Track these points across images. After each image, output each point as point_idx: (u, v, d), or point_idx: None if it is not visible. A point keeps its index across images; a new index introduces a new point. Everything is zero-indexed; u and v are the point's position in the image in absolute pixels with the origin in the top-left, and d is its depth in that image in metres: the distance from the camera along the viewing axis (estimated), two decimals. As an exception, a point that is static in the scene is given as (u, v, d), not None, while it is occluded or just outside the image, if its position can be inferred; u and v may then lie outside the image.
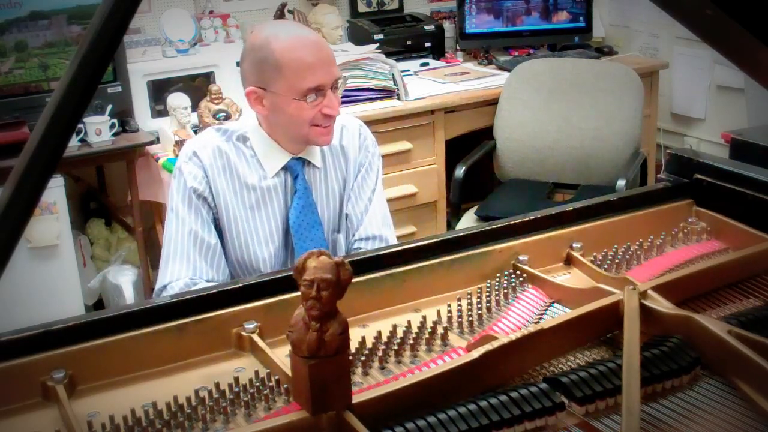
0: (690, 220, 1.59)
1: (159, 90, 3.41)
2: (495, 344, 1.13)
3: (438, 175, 3.59)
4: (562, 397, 1.07)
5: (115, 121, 3.19)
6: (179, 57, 3.52)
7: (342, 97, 1.92)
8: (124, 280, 3.34)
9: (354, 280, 1.01)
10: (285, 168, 1.92)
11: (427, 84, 3.70)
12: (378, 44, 3.74)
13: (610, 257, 1.47)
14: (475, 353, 1.11)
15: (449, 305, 1.33)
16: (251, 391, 1.12)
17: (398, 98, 3.51)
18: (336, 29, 3.85)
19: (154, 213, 3.40)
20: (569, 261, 1.49)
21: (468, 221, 3.31)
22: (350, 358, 1.08)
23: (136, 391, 1.16)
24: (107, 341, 1.17)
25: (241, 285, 1.28)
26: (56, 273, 3.12)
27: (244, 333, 1.24)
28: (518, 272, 1.43)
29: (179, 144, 3.00)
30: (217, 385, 1.13)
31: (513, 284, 1.40)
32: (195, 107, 3.10)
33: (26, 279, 3.04)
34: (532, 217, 1.49)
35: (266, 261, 1.91)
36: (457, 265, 1.41)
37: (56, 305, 3.04)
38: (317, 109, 1.82)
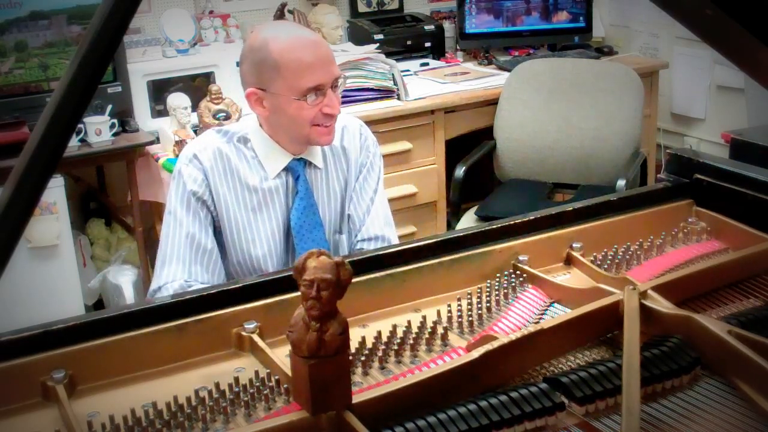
0: (690, 220, 1.59)
1: (159, 90, 3.41)
2: (495, 344, 1.13)
3: (438, 175, 3.59)
4: (562, 397, 1.07)
5: (115, 121, 3.19)
6: (179, 57, 3.52)
7: (342, 97, 1.92)
8: (124, 280, 3.34)
9: (354, 280, 1.01)
10: (286, 169, 1.92)
11: (427, 84, 3.70)
12: (378, 44, 3.74)
13: (610, 257, 1.47)
14: (475, 353, 1.11)
15: (449, 305, 1.33)
16: (251, 391, 1.12)
17: (398, 98, 3.51)
18: (336, 29, 3.85)
19: (154, 213, 3.39)
20: (569, 261, 1.49)
21: (468, 221, 3.31)
22: (350, 358, 1.08)
23: (136, 391, 1.16)
24: (107, 341, 1.17)
25: (241, 285, 1.28)
26: (56, 273, 3.12)
27: (244, 333, 1.24)
28: (518, 272, 1.43)
29: (179, 144, 3.00)
30: (217, 385, 1.13)
31: (513, 284, 1.40)
32: (195, 107, 3.09)
33: (26, 279, 3.04)
34: (532, 217, 1.49)
35: (267, 262, 1.91)
36: (457, 265, 1.41)
37: (56, 305, 3.04)
38: (317, 108, 1.82)
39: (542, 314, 1.34)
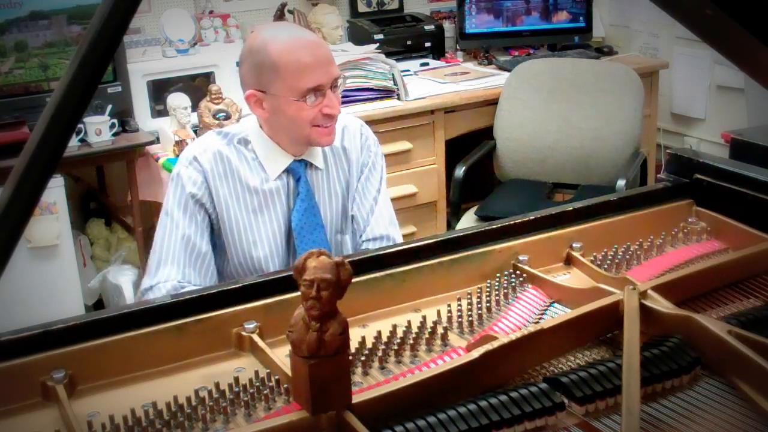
0: (690, 220, 1.59)
1: (159, 90, 3.41)
2: (495, 344, 1.13)
3: (438, 175, 3.59)
4: (562, 397, 1.07)
5: (115, 121, 3.19)
6: (179, 57, 3.52)
7: (342, 97, 1.92)
8: (124, 280, 3.34)
9: (354, 280, 1.01)
10: (287, 170, 1.92)
11: (427, 84, 3.70)
12: (378, 44, 3.74)
13: (610, 257, 1.47)
14: (475, 353, 1.11)
15: (449, 305, 1.33)
16: (251, 391, 1.12)
17: (398, 98, 3.51)
18: (336, 29, 3.85)
19: (154, 213, 3.39)
20: (569, 261, 1.49)
21: (468, 221, 3.31)
22: (350, 358, 1.08)
23: (136, 391, 1.16)
24: (107, 341, 1.17)
25: (241, 285, 1.28)
26: (56, 273, 3.12)
27: (244, 333, 1.24)
28: (518, 272, 1.43)
29: (179, 144, 3.00)
30: (217, 385, 1.13)
31: (513, 284, 1.40)
32: (195, 107, 3.09)
33: (26, 279, 3.04)
34: (532, 217, 1.49)
35: (268, 263, 1.91)
36: (457, 265, 1.41)
37: (56, 305, 3.04)
38: (317, 109, 1.82)
39: (542, 314, 1.34)
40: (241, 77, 1.89)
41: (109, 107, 3.17)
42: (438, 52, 4.10)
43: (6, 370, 1.11)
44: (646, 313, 1.23)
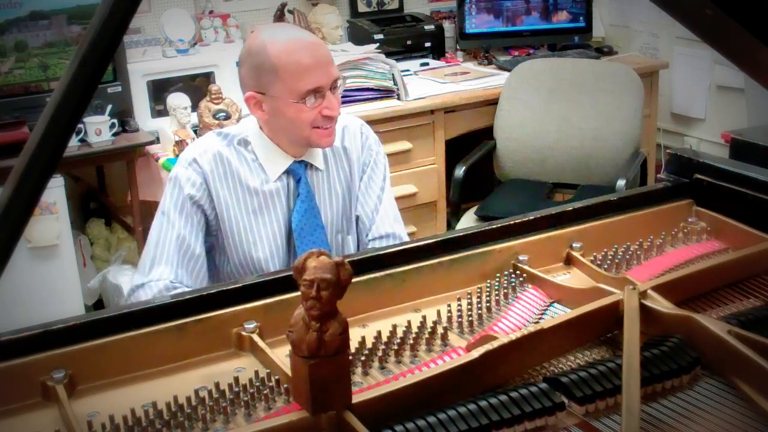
0: (690, 220, 1.59)
1: (159, 90, 3.41)
2: (495, 344, 1.13)
3: (438, 175, 3.59)
4: (562, 397, 1.07)
5: (115, 121, 3.19)
6: (179, 57, 3.52)
7: (342, 97, 1.92)
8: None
9: (354, 280, 1.01)
10: (287, 171, 1.92)
11: (427, 84, 3.70)
12: (378, 44, 3.74)
13: (610, 257, 1.47)
14: (475, 353, 1.11)
15: (449, 305, 1.33)
16: (251, 391, 1.12)
17: (398, 98, 3.51)
18: (336, 29, 3.85)
19: (154, 213, 3.39)
20: (569, 261, 1.49)
21: (468, 221, 3.31)
22: (350, 358, 1.08)
23: (136, 391, 1.16)
24: (107, 341, 1.17)
25: (241, 285, 1.28)
26: (56, 273, 3.13)
27: (244, 333, 1.24)
28: (518, 272, 1.43)
29: (179, 144, 3.00)
30: (217, 385, 1.13)
31: (513, 284, 1.40)
32: (195, 107, 3.09)
33: (26, 279, 3.04)
34: (532, 217, 1.49)
35: (268, 264, 1.90)
36: (457, 265, 1.41)
37: (56, 305, 3.04)
38: (317, 110, 1.82)
39: (542, 314, 1.34)
40: (240, 79, 1.89)
41: (109, 107, 3.17)
42: (438, 52, 4.10)
43: (6, 370, 1.11)
44: (646, 313, 1.23)
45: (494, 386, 1.11)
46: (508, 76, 3.63)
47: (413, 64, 3.94)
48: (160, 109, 3.38)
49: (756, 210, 1.48)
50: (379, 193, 2.00)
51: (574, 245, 1.49)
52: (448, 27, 4.24)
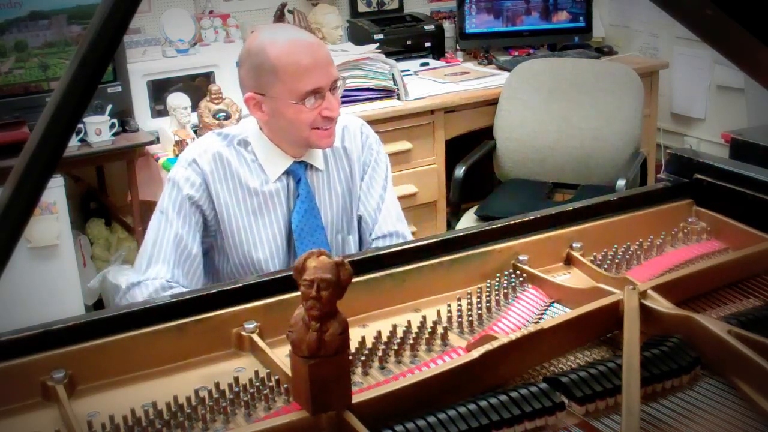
0: (690, 220, 1.59)
1: (159, 90, 3.41)
2: (495, 344, 1.13)
3: (438, 175, 3.59)
4: (562, 397, 1.07)
5: (115, 121, 3.19)
6: (179, 57, 3.52)
7: (342, 97, 1.91)
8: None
9: (354, 280, 1.01)
10: (287, 172, 1.91)
11: (427, 84, 3.70)
12: (378, 44, 3.74)
13: (610, 257, 1.47)
14: (475, 353, 1.11)
15: (449, 305, 1.33)
16: (251, 391, 1.12)
17: (398, 98, 3.51)
18: (336, 29, 3.85)
19: (154, 213, 3.39)
20: (569, 261, 1.49)
21: (468, 221, 3.31)
22: (350, 358, 1.08)
23: (136, 391, 1.16)
24: (107, 341, 1.17)
25: (241, 285, 1.28)
26: (56, 273, 3.12)
27: (244, 333, 1.24)
28: (518, 272, 1.43)
29: (179, 144, 3.00)
30: (217, 385, 1.13)
31: (513, 284, 1.40)
32: (195, 107, 3.09)
33: (26, 279, 3.04)
34: (532, 217, 1.49)
35: (268, 265, 1.90)
36: (457, 265, 1.41)
37: (56, 305, 3.04)
38: (317, 111, 1.81)
39: (542, 314, 1.34)
40: (240, 79, 1.89)
41: (109, 107, 3.17)
42: (438, 52, 4.10)
43: (6, 370, 1.11)
44: (646, 313, 1.23)
45: (494, 386, 1.11)
46: (508, 76, 3.63)
47: (413, 64, 3.94)
48: (160, 109, 3.38)
49: (756, 210, 1.48)
50: (381, 192, 2.00)
51: (574, 245, 1.49)
52: (448, 27, 4.24)
